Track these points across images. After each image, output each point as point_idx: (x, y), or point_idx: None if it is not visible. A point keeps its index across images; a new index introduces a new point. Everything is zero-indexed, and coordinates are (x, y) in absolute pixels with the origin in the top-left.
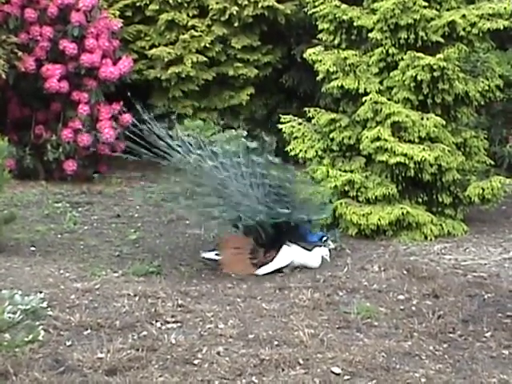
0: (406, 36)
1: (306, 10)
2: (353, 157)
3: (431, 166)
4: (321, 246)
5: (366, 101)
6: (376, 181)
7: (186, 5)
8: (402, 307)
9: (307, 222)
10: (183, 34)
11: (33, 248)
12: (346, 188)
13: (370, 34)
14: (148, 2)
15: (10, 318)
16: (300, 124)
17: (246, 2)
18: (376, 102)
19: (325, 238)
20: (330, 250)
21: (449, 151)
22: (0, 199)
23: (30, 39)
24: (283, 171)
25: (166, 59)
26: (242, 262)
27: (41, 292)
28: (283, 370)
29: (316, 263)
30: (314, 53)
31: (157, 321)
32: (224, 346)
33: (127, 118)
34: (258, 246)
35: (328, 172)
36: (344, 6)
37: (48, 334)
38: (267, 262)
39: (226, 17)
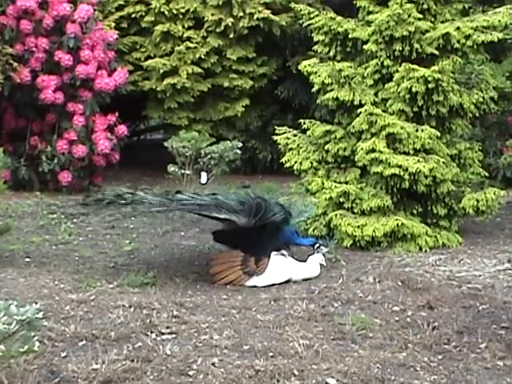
0: (400, 48)
1: (301, 21)
2: (348, 168)
3: (426, 177)
4: (314, 252)
5: (360, 112)
6: (371, 192)
7: (181, 16)
8: (396, 318)
9: (288, 221)
10: (178, 45)
11: (27, 259)
12: (341, 199)
13: (365, 46)
14: (143, 14)
15: (5, 328)
16: (295, 135)
17: (242, 14)
18: (371, 114)
19: (317, 245)
20: (324, 255)
21: (443, 163)
22: None
23: (26, 50)
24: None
25: (161, 70)
26: (233, 272)
27: (36, 303)
28: (278, 381)
29: (316, 272)
30: (309, 64)
31: (152, 332)
32: (219, 357)
33: (122, 129)
34: (247, 256)
35: (323, 183)
36: (339, 18)
37: (43, 345)
38: (261, 271)
39: (222, 28)
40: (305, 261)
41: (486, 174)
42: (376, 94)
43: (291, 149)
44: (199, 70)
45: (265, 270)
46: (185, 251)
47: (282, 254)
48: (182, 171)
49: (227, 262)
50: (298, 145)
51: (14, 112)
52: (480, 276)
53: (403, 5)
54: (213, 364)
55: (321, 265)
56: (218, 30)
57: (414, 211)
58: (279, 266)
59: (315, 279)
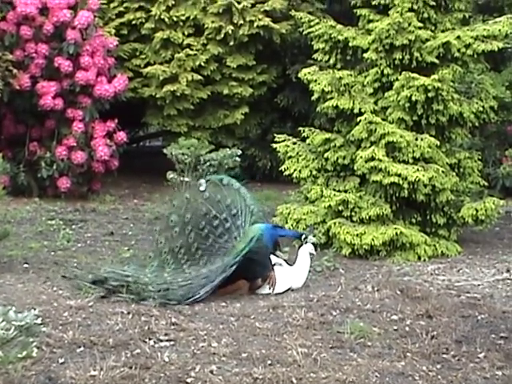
0: (400, 56)
1: (301, 29)
2: (347, 177)
3: (425, 186)
4: (303, 244)
5: (360, 121)
6: (370, 201)
7: (181, 23)
8: (395, 327)
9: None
10: (178, 52)
11: (26, 265)
12: (340, 208)
13: (365, 55)
14: (144, 21)
15: (3, 334)
16: (294, 143)
17: (242, 22)
18: (370, 122)
19: (304, 236)
20: (313, 244)
21: (443, 172)
22: None
23: (26, 56)
24: None
25: (161, 77)
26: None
27: (34, 309)
28: None
29: (306, 267)
30: (309, 72)
31: (150, 339)
32: (217, 364)
33: (122, 135)
34: (252, 281)
35: (322, 192)
36: (339, 26)
37: (41, 352)
38: (273, 284)
39: (222, 36)
40: (295, 259)
41: (486, 184)
42: (376, 103)
43: (290, 157)
44: (199, 78)
45: (276, 281)
46: None
47: (280, 264)
48: (181, 178)
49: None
50: (298, 153)
51: (13, 118)
52: (479, 285)
53: (403, 13)
54: (211, 372)
55: (311, 254)
56: (218, 38)
57: (413, 220)
58: (280, 277)
59: (314, 287)
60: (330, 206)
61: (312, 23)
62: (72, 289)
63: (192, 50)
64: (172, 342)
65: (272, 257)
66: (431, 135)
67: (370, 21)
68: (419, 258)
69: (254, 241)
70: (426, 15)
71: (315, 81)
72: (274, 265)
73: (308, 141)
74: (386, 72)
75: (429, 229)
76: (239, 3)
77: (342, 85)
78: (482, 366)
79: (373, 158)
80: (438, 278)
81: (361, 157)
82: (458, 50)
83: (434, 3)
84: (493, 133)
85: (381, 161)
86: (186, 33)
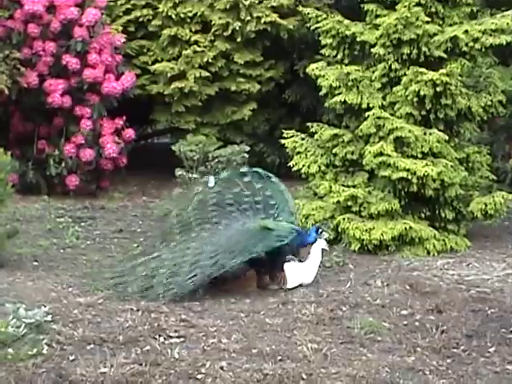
0: (408, 51)
1: (308, 25)
2: (355, 172)
3: (434, 181)
4: (316, 240)
5: (368, 116)
6: (379, 196)
7: (188, 20)
8: (405, 322)
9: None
10: (186, 49)
11: (35, 263)
12: (349, 203)
13: (372, 50)
14: (151, 18)
15: (14, 331)
16: (303, 139)
17: (249, 18)
18: (379, 118)
19: (320, 230)
20: (326, 240)
21: (451, 166)
22: (3, 214)
23: (33, 54)
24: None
25: (168, 74)
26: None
27: (44, 306)
28: None
29: (317, 263)
30: (316, 68)
31: (160, 335)
32: (227, 360)
33: (130, 133)
34: (262, 274)
35: (331, 187)
36: (347, 21)
37: (51, 349)
38: (279, 284)
39: (229, 32)
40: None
41: (494, 178)
42: (384, 98)
43: (299, 152)
44: (207, 74)
45: (286, 280)
46: None
47: (292, 259)
48: (190, 175)
49: (243, 284)
50: (306, 148)
51: (21, 116)
52: (489, 280)
53: (411, 8)
54: (221, 368)
55: (323, 250)
56: (225, 34)
57: (422, 215)
58: (291, 273)
59: (323, 283)
60: (338, 201)
61: (319, 18)
62: (81, 286)
63: (199, 46)
64: (182, 339)
65: None
66: (440, 130)
67: (377, 16)
68: (428, 252)
69: (291, 235)
70: (433, 9)
71: (323, 76)
72: (287, 261)
73: (316, 136)
74: (393, 67)
75: (438, 223)
76: None
77: (349, 80)
78: (493, 360)
79: (381, 153)
80: (448, 273)
81: (369, 152)
82: (466, 44)
83: None
84: (501, 127)
85: (389, 156)
86: (193, 29)
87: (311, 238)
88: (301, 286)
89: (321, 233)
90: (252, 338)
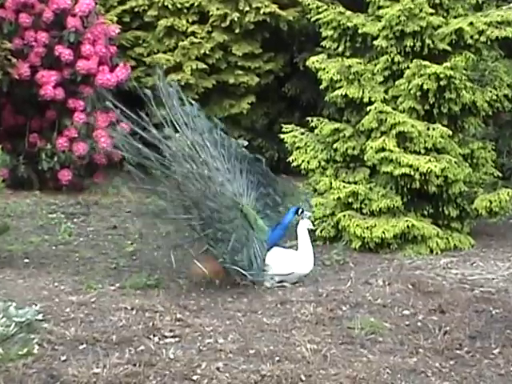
0: (411, 44)
1: (309, 16)
2: (357, 168)
3: (437, 177)
4: (299, 220)
5: (370, 110)
6: (380, 192)
7: (185, 11)
8: (407, 322)
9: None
10: (183, 40)
11: (26, 260)
12: (350, 200)
13: (374, 42)
14: (147, 8)
15: (3, 330)
16: (302, 134)
17: (248, 9)
18: (381, 112)
19: (300, 211)
20: (309, 218)
21: (455, 163)
22: None
23: (25, 45)
24: None
25: (164, 66)
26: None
27: (35, 305)
28: None
29: (310, 249)
30: (317, 60)
31: (154, 335)
32: (224, 361)
33: (124, 126)
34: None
35: (331, 183)
36: (348, 12)
37: (42, 348)
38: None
39: (227, 23)
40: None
41: (500, 175)
42: (386, 92)
43: (298, 147)
44: (204, 66)
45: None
46: (188, 252)
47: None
48: None
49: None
50: (306, 143)
51: (12, 108)
52: (493, 279)
53: None
54: (217, 368)
55: (309, 229)
56: (223, 25)
57: (425, 212)
58: (282, 259)
59: (323, 282)
60: (339, 197)
61: (320, 10)
62: (74, 284)
63: (196, 37)
64: (177, 339)
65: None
66: (443, 125)
67: (379, 7)
68: (431, 251)
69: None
70: (437, 1)
71: (323, 69)
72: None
73: (316, 131)
74: (396, 60)
75: (441, 221)
76: None
77: (351, 73)
78: (497, 362)
79: (383, 149)
80: (451, 272)
81: (371, 147)
82: (471, 37)
83: None
84: (507, 122)
85: (391, 151)
86: (190, 20)
87: (286, 220)
88: (300, 284)
89: (301, 212)
90: (249, 338)
